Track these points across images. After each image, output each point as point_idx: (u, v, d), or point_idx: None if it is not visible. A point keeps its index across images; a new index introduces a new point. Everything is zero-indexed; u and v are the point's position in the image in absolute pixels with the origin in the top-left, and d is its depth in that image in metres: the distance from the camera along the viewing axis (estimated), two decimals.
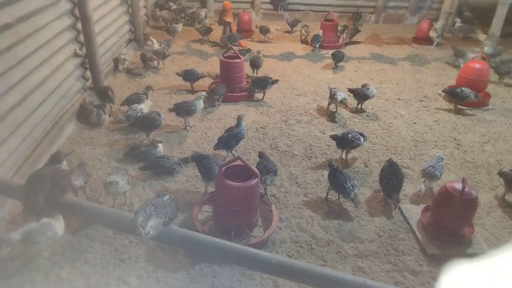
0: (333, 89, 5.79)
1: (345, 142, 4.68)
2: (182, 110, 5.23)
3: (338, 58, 7.61)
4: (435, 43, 9.09)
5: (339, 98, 5.65)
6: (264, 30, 8.97)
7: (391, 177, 4.04)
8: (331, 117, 5.88)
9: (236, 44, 8.07)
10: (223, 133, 4.81)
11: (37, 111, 4.52)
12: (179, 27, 8.75)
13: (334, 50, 7.89)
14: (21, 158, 4.14)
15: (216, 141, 4.71)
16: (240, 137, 4.70)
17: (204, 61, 7.86)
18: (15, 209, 3.76)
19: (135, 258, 3.39)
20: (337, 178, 3.98)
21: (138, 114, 5.10)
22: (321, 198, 4.25)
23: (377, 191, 4.39)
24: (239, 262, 3.01)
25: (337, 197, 4.16)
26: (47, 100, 4.75)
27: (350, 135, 4.66)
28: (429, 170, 4.18)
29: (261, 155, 4.36)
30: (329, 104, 5.97)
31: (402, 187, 4.13)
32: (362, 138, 4.68)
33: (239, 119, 4.67)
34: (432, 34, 9.09)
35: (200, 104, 5.36)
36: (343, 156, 4.85)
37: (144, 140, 5.02)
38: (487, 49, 7.54)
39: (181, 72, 6.49)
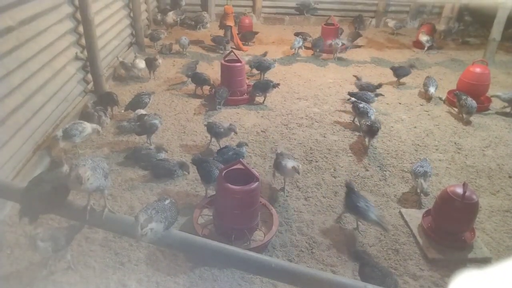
0: (361, 106, 5.52)
1: (373, 132, 5.01)
2: (211, 129, 4.97)
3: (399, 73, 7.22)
4: (425, 48, 9.03)
5: (372, 117, 5.36)
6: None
7: None
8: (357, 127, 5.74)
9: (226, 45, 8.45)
10: (221, 148, 4.71)
11: (38, 114, 4.53)
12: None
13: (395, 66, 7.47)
14: (21, 161, 4.14)
15: (217, 154, 4.61)
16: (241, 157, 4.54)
17: (205, 64, 7.87)
18: (15, 212, 3.76)
19: (135, 262, 3.38)
20: (351, 198, 3.72)
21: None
22: (321, 202, 4.24)
23: (377, 195, 4.38)
24: (239, 266, 2.99)
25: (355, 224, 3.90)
26: (48, 103, 4.76)
27: (377, 125, 5.04)
28: (418, 169, 4.25)
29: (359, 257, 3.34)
30: (354, 117, 5.81)
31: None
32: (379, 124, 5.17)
33: (240, 144, 4.62)
34: (422, 37, 8.99)
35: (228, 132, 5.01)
36: (368, 143, 5.19)
37: (145, 143, 5.02)
38: None
39: (190, 74, 6.59)
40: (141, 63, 6.97)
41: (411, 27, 10.97)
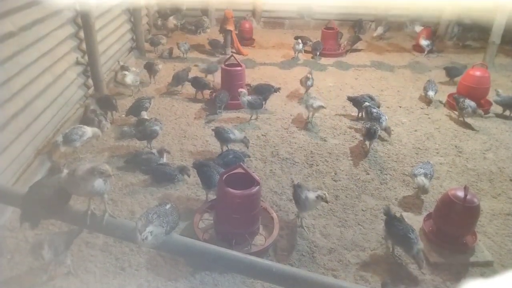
0: (375, 111, 5.48)
1: (371, 134, 4.98)
2: (219, 134, 4.91)
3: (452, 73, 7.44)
4: (426, 52, 9.08)
5: (384, 123, 5.37)
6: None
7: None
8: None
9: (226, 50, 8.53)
10: (223, 151, 4.77)
11: (39, 119, 4.54)
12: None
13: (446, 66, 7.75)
14: (22, 166, 4.15)
15: (217, 157, 4.65)
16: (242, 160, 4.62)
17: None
18: (15, 217, 3.75)
19: (135, 267, 3.37)
20: (397, 227, 3.45)
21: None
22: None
23: (378, 198, 4.37)
24: (240, 271, 2.99)
25: (395, 251, 3.64)
26: (49, 108, 4.77)
27: (374, 127, 5.02)
28: (417, 171, 4.31)
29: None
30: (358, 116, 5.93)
31: None
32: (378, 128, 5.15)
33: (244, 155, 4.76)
34: (422, 41, 9.05)
35: (237, 136, 4.95)
36: (368, 147, 5.18)
37: (145, 147, 5.02)
38: None
39: (190, 78, 6.59)
40: (128, 78, 6.34)
41: (410, 30, 10.98)
